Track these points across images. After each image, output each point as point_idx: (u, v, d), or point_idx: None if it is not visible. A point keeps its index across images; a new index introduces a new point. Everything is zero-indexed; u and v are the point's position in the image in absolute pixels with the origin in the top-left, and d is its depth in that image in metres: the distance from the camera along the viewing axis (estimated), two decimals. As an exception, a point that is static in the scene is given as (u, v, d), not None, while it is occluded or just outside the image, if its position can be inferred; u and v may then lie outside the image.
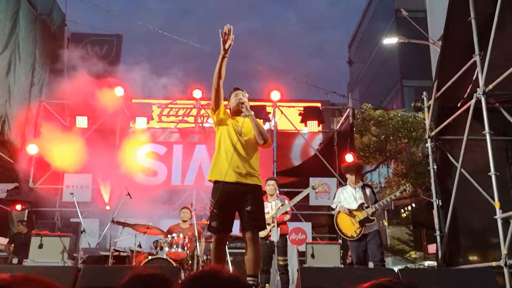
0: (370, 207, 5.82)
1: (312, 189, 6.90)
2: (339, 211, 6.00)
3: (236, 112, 4.08)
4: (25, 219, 10.03)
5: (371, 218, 5.81)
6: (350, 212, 5.88)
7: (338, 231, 6.08)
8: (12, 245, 9.05)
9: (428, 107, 7.62)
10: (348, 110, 11.73)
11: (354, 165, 6.34)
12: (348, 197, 6.01)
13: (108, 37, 19.61)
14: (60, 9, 17.03)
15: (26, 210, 10.46)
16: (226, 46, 3.76)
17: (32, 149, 10.89)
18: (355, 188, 6.02)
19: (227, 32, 3.73)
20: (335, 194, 6.26)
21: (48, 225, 9.48)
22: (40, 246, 6.44)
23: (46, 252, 6.41)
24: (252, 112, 3.95)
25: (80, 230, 7.01)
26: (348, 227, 5.90)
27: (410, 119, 14.35)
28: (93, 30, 19.44)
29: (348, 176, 6.13)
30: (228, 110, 4.14)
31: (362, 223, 5.81)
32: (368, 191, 6.03)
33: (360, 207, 5.87)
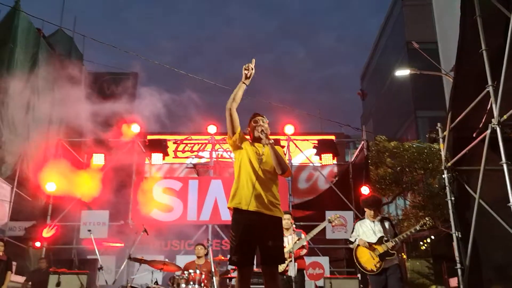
0: (390, 240, 5.74)
1: (328, 222, 6.85)
2: (358, 245, 5.93)
3: (257, 139, 4.00)
4: (43, 256, 10.07)
5: (391, 252, 5.73)
6: (370, 246, 5.81)
7: (358, 265, 5.98)
8: (30, 283, 9.06)
9: (443, 138, 7.59)
10: (363, 142, 11.74)
11: (373, 199, 6.27)
12: (367, 230, 5.94)
13: (124, 76, 20.07)
14: (78, 49, 17.57)
15: (44, 248, 10.51)
16: (248, 75, 3.91)
17: (50, 187, 11.03)
18: (373, 222, 5.96)
19: (251, 65, 3.91)
20: (353, 228, 6.20)
21: (65, 262, 9.50)
22: (58, 284, 6.46)
23: (64, 290, 6.41)
24: (272, 140, 3.87)
25: (98, 267, 7.01)
26: (368, 261, 5.81)
27: (426, 150, 14.25)
28: (108, 69, 19.94)
29: (366, 210, 6.06)
30: (248, 137, 4.08)
31: (382, 257, 5.72)
32: (387, 224, 5.96)
33: (380, 241, 5.79)
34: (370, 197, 6.63)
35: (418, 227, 6.01)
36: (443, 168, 7.45)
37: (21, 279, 9.86)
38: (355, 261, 6.01)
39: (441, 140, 7.73)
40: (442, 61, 18.56)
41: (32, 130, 14.17)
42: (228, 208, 3.87)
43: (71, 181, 10.71)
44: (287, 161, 4.02)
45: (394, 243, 5.72)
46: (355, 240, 5.99)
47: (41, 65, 14.43)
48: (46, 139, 14.77)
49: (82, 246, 10.45)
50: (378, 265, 5.72)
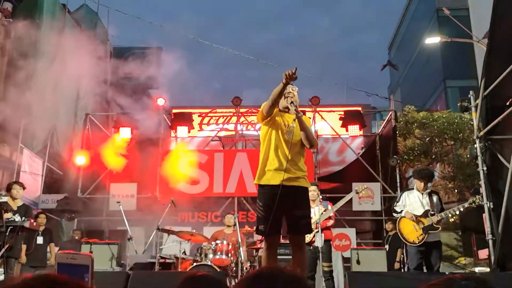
0: (436, 215, 5.66)
1: (355, 193, 6.77)
2: (404, 216, 5.86)
3: (285, 108, 3.91)
4: (75, 228, 10.36)
5: (435, 226, 5.66)
6: (415, 218, 5.74)
7: (400, 235, 5.93)
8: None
9: (476, 107, 7.36)
10: (390, 113, 11.49)
11: (427, 172, 6.13)
12: (414, 202, 5.85)
13: (148, 50, 20.08)
14: (103, 24, 17.63)
15: (76, 220, 10.80)
16: (288, 81, 3.63)
17: (79, 160, 11.25)
18: (422, 194, 5.86)
19: (294, 72, 3.57)
20: (399, 197, 6.11)
21: (96, 233, 9.75)
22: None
23: (96, 259, 6.56)
24: (302, 113, 3.78)
25: (127, 238, 7.15)
26: (411, 232, 5.75)
27: (456, 120, 13.88)
28: (132, 43, 20.00)
29: (416, 181, 5.95)
30: (275, 111, 3.92)
31: (425, 230, 5.65)
32: (435, 198, 5.87)
33: (425, 214, 5.72)
34: (423, 169, 6.56)
35: (467, 204, 5.87)
36: (475, 137, 7.25)
37: (56, 249, 10.20)
38: (397, 230, 5.96)
39: (473, 108, 7.49)
40: (474, 28, 17.86)
41: (61, 105, 14.43)
42: (256, 184, 3.83)
43: (100, 154, 10.90)
44: (314, 133, 3.91)
45: (439, 217, 5.64)
46: (401, 211, 5.91)
47: (67, 41, 14.55)
48: (74, 114, 15.04)
49: (111, 218, 10.69)
50: (420, 238, 5.66)
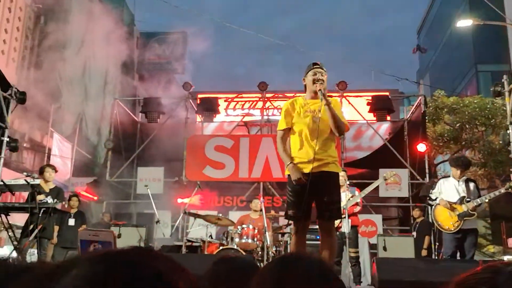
0: (472, 201, 5.57)
1: (383, 180, 6.69)
2: (438, 203, 5.80)
3: (313, 93, 3.83)
4: (103, 210, 10.58)
5: (471, 212, 5.57)
6: (450, 205, 5.66)
7: (434, 222, 5.87)
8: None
9: (510, 91, 7.13)
10: (420, 98, 11.25)
11: (464, 160, 6.05)
12: (450, 189, 5.79)
13: (174, 35, 20.15)
14: (129, 9, 17.73)
15: (104, 202, 11.02)
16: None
17: (108, 144, 11.44)
18: (458, 181, 5.78)
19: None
20: (435, 184, 6.05)
21: (124, 216, 9.94)
22: (119, 236, 6.74)
23: (124, 242, 6.70)
24: (330, 101, 3.68)
25: (155, 221, 7.26)
26: (446, 219, 5.69)
27: (488, 105, 13.51)
28: (158, 28, 20.08)
29: (453, 169, 5.88)
30: (300, 99, 3.91)
31: (461, 217, 5.58)
32: (472, 185, 5.78)
33: (461, 201, 5.64)
34: (460, 157, 6.48)
35: (503, 190, 5.75)
36: (508, 123, 7.03)
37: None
38: (432, 217, 5.91)
39: (506, 93, 7.26)
40: (507, 11, 17.23)
41: (89, 90, 14.66)
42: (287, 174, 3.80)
43: (128, 139, 11.05)
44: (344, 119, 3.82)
45: (475, 203, 5.54)
46: (435, 198, 5.85)
47: (96, 26, 14.69)
48: (102, 99, 15.26)
49: (139, 201, 10.86)
50: (456, 225, 5.59)
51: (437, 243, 7.37)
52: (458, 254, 5.66)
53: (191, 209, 7.49)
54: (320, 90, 3.68)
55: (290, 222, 6.38)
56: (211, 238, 7.03)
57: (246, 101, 12.62)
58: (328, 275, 0.97)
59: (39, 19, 13.77)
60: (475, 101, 14.04)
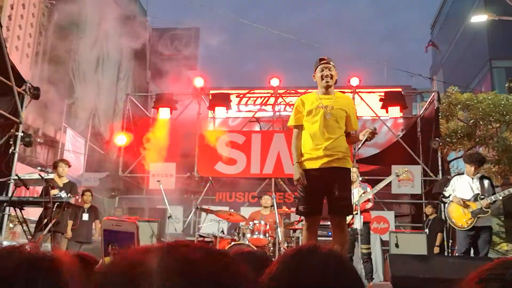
0: (486, 199, 5.51)
1: (396, 176, 6.65)
2: (452, 201, 5.76)
3: (323, 88, 3.84)
4: (116, 205, 10.66)
5: (485, 209, 5.53)
6: (464, 202, 5.61)
7: (448, 219, 5.84)
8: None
9: (525, 88, 7.02)
10: (433, 94, 11.14)
11: (478, 156, 6.01)
12: (464, 186, 5.76)
13: (186, 30, 20.20)
14: (142, 5, 17.79)
15: (117, 197, 11.10)
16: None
17: (120, 140, 11.49)
18: (472, 178, 5.74)
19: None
20: (449, 182, 6.01)
21: (137, 211, 10.00)
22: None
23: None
24: (366, 136, 3.74)
25: (167, 216, 7.30)
26: (459, 216, 5.65)
27: (503, 102, 13.32)
28: (170, 24, 20.12)
29: (467, 165, 5.84)
30: (312, 94, 3.93)
31: (474, 214, 5.54)
32: (486, 183, 5.74)
33: (475, 198, 5.59)
34: (474, 153, 6.41)
35: None
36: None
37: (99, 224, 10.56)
38: (446, 214, 5.87)
39: (522, 89, 7.16)
40: (524, 5, 16.96)
41: (102, 86, 14.76)
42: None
43: (140, 134, 11.10)
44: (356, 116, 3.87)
45: (489, 201, 5.49)
46: (449, 196, 5.81)
47: (108, 22, 14.76)
48: (115, 94, 15.36)
49: (151, 196, 10.92)
50: (469, 222, 5.56)
51: (450, 241, 7.33)
52: (472, 252, 5.62)
53: (202, 205, 7.52)
54: (330, 86, 3.76)
55: (302, 218, 6.40)
56: (223, 233, 7.04)
57: (258, 97, 12.59)
58: (345, 268, 0.96)
59: (53, 15, 13.88)
60: (489, 97, 13.86)
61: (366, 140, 3.74)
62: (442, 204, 7.74)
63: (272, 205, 6.70)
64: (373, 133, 3.72)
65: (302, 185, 3.66)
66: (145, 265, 0.50)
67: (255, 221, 6.57)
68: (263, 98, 12.36)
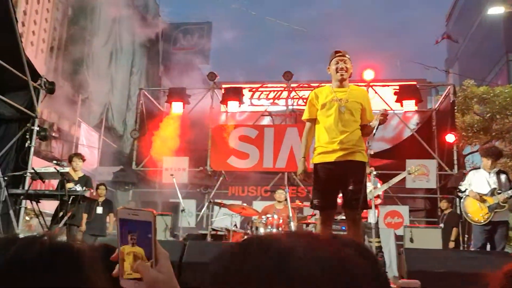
0: (503, 193, 5.44)
1: (408, 174, 6.57)
2: (468, 195, 5.68)
3: (337, 81, 3.81)
4: (130, 199, 10.74)
5: (502, 204, 5.44)
6: (480, 197, 5.54)
7: (464, 214, 5.77)
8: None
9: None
10: (449, 87, 10.99)
11: (494, 150, 5.93)
12: (480, 180, 5.67)
13: (198, 25, 20.20)
14: (155, 0, 17.82)
15: (130, 191, 11.18)
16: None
17: (133, 134, 11.55)
18: (489, 173, 5.65)
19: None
20: (465, 176, 5.93)
21: (150, 204, 10.06)
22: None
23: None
24: (379, 120, 3.65)
25: (181, 210, 7.32)
26: (475, 211, 5.58)
27: (520, 95, 13.13)
28: (182, 19, 20.15)
29: (483, 159, 5.75)
30: (326, 88, 3.89)
31: (491, 209, 5.46)
32: (503, 177, 5.64)
33: (492, 193, 5.51)
34: (491, 146, 6.31)
35: None
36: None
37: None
38: (462, 209, 5.80)
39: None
40: (542, -4, 16.61)
41: (115, 81, 14.84)
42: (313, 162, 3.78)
43: (153, 128, 11.14)
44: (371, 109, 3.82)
45: (506, 195, 5.40)
46: (465, 190, 5.73)
47: (121, 18, 14.81)
48: (128, 89, 15.43)
49: (164, 190, 10.97)
50: (486, 217, 5.48)
51: (466, 236, 7.25)
52: (488, 247, 5.54)
53: (215, 199, 7.53)
54: (345, 79, 3.71)
55: (315, 212, 6.37)
56: (236, 227, 7.05)
57: (271, 91, 12.54)
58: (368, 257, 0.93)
59: (67, 10, 13.97)
60: (506, 90, 13.64)
61: (380, 124, 3.67)
62: (457, 199, 7.64)
63: (286, 199, 6.68)
64: (385, 115, 3.65)
65: (320, 177, 3.62)
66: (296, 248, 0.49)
67: (268, 215, 6.56)
68: (276, 92, 12.30)
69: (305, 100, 11.93)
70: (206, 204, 8.16)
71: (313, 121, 3.82)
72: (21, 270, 0.57)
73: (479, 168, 5.86)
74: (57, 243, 0.63)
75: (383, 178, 6.79)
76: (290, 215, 6.18)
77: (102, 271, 0.71)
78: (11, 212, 5.83)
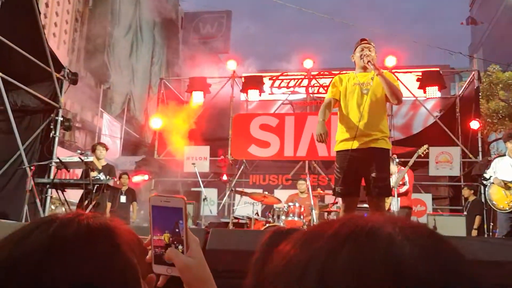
0: None
1: (417, 156, 6.42)
2: (493, 183, 5.59)
3: (362, 68, 3.75)
4: (152, 188, 10.87)
5: None
6: (505, 184, 5.44)
7: (489, 201, 5.68)
8: (142, 212, 9.88)
9: None
10: (473, 73, 10.75)
11: None
12: (505, 167, 5.57)
13: (218, 14, 20.15)
14: (174, -11, 17.82)
15: (153, 180, 11.31)
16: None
17: (155, 123, 11.64)
18: None
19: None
20: (490, 163, 5.83)
21: (172, 193, 10.15)
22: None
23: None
24: (381, 70, 3.57)
25: (202, 198, 7.39)
26: (500, 198, 5.49)
27: (547, 80, 12.79)
28: (202, 7, 20.11)
29: (508, 144, 5.63)
30: (350, 74, 3.85)
31: None
32: None
33: None
34: None
35: None
36: None
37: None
38: (487, 197, 5.71)
39: None
40: None
41: (136, 71, 14.97)
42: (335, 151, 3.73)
43: (174, 118, 11.22)
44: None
45: None
46: (489, 178, 5.63)
47: (142, 8, 14.88)
48: (149, 79, 15.55)
49: (186, 179, 11.07)
50: (511, 204, 5.39)
51: (491, 223, 7.12)
52: None
53: (236, 188, 7.57)
54: (369, 62, 3.60)
55: (337, 200, 6.34)
56: (258, 215, 7.07)
57: (291, 79, 12.46)
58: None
59: (88, 2, 14.10)
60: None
61: (379, 75, 3.54)
62: (481, 186, 7.52)
63: (308, 189, 6.67)
64: (374, 66, 3.55)
65: (342, 164, 3.57)
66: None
67: (290, 203, 6.57)
68: (296, 80, 12.22)
69: (325, 88, 11.84)
70: (228, 192, 8.20)
71: (335, 101, 3.78)
72: (61, 245, 0.59)
73: (504, 155, 5.74)
74: (94, 222, 0.64)
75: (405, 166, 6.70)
76: (312, 203, 6.17)
77: (140, 253, 0.72)
78: (37, 201, 5.97)
